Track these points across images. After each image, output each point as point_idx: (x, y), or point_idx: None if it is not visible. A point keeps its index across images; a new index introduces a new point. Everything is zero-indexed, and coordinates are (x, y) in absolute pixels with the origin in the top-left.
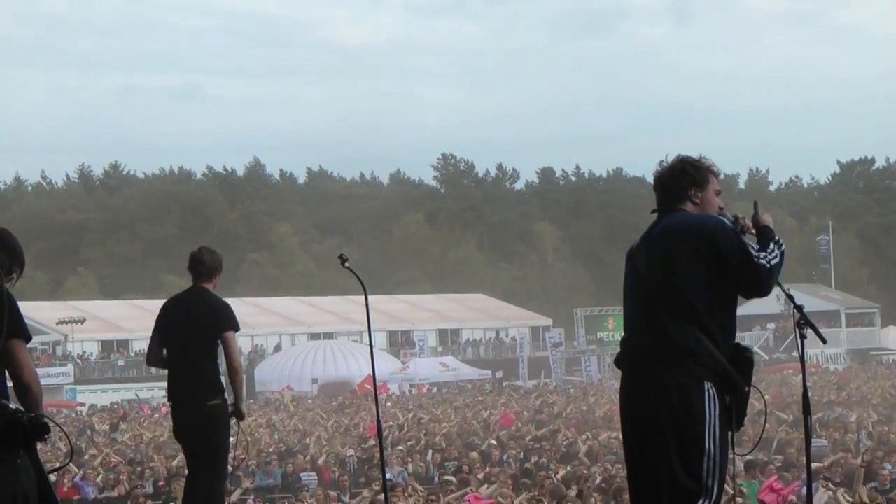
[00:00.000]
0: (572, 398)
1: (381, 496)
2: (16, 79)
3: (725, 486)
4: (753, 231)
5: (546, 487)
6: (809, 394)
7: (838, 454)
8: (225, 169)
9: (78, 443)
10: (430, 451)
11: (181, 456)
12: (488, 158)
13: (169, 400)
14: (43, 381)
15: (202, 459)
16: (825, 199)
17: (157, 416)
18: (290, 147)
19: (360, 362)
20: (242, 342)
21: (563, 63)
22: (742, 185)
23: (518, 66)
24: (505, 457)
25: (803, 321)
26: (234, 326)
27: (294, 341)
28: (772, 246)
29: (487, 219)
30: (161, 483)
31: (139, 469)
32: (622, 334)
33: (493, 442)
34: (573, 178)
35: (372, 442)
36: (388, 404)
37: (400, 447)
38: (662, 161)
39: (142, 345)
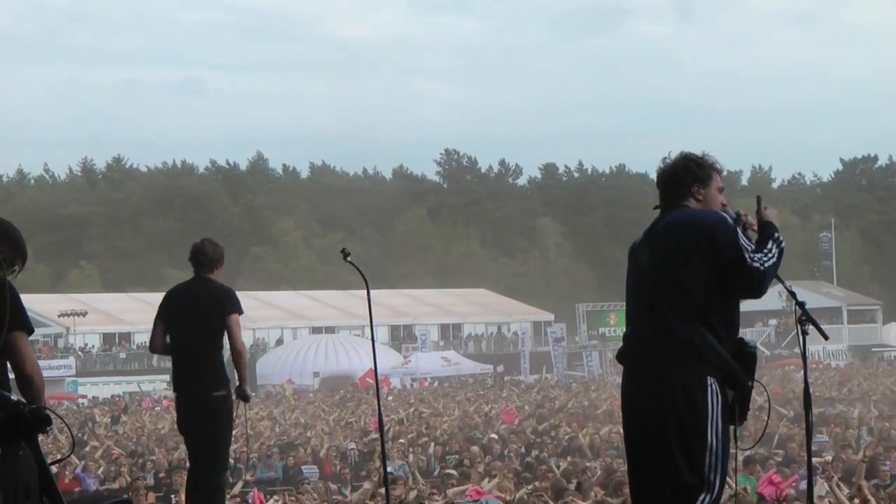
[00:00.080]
0: (574, 393)
1: (382, 489)
2: (18, 72)
3: (728, 481)
4: (756, 228)
5: (547, 481)
6: (811, 390)
7: (839, 450)
8: (228, 163)
9: (79, 435)
10: (432, 445)
11: (182, 448)
12: (491, 154)
13: (174, 390)
14: (45, 374)
15: (204, 451)
16: (828, 196)
17: (158, 408)
18: (293, 142)
19: (362, 356)
20: (244, 336)
21: (566, 60)
22: (745, 183)
23: (521, 62)
24: (506, 451)
25: (805, 317)
26: (238, 309)
27: (296, 335)
28: (770, 245)
29: (490, 214)
30: (162, 475)
31: (140, 461)
32: (624, 330)
33: (495, 436)
34: (576, 175)
35: (373, 435)
36: (390, 398)
37: (401, 440)
38: (666, 158)
39: (143, 338)
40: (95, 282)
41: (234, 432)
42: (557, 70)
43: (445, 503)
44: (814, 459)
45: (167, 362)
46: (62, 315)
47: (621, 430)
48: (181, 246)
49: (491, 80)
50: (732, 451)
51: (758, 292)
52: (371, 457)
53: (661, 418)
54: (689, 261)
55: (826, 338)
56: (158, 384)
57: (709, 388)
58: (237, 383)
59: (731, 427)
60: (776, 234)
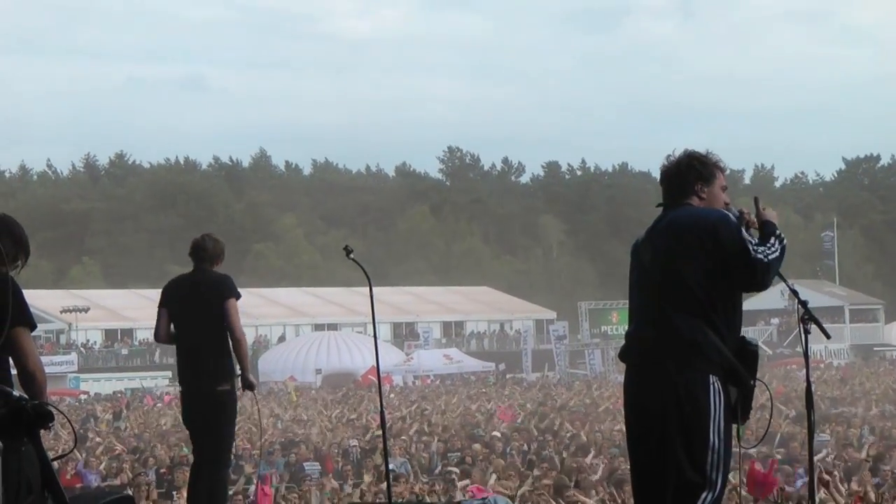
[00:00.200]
0: (576, 391)
1: (382, 485)
2: (22, 68)
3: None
4: (758, 228)
5: (549, 479)
6: (813, 388)
7: (841, 449)
8: (231, 160)
9: (81, 431)
10: (434, 442)
11: (184, 444)
12: (494, 152)
13: (179, 384)
14: (47, 369)
15: (207, 447)
16: (830, 195)
17: (160, 404)
18: (296, 139)
19: (364, 353)
20: (247, 333)
21: (569, 58)
22: (747, 182)
23: (524, 60)
24: (508, 448)
25: (807, 316)
26: (235, 294)
27: (298, 332)
28: (772, 240)
29: (493, 212)
30: (164, 471)
31: (142, 457)
32: (626, 328)
33: (497, 433)
34: (578, 173)
35: (375, 432)
36: (392, 395)
37: (403, 438)
38: (669, 155)
39: (145, 334)
40: (98, 278)
41: (236, 428)
42: (560, 68)
43: (452, 500)
44: (814, 458)
45: (170, 358)
46: (64, 311)
47: (623, 428)
48: (183, 242)
49: (494, 78)
50: (735, 449)
51: (762, 285)
52: (373, 454)
53: (664, 416)
54: (691, 259)
55: (828, 337)
56: (160, 380)
57: (711, 386)
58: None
59: (734, 426)
60: (777, 232)
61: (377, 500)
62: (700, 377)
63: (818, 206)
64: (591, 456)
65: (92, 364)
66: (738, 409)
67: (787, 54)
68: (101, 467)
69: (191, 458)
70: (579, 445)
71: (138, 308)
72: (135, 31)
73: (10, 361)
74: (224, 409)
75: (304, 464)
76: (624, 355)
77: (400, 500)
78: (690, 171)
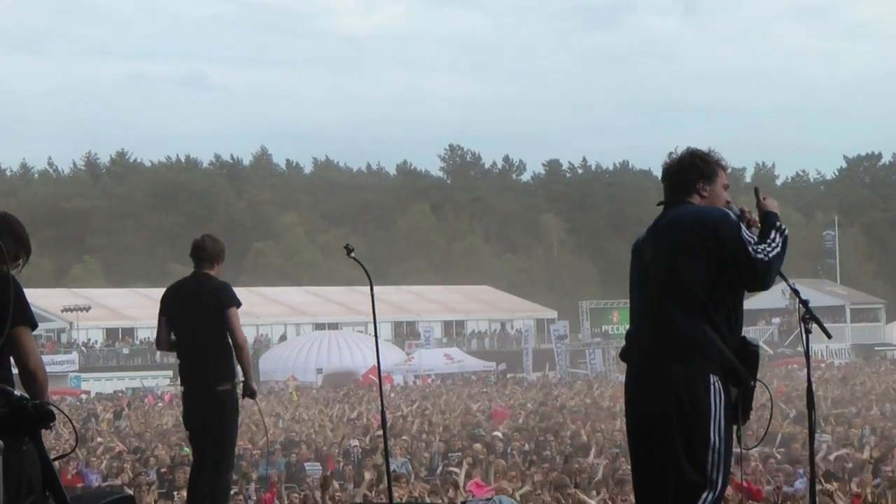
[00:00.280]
0: (577, 390)
1: (383, 485)
2: (23, 66)
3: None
4: (760, 225)
5: (549, 479)
6: (814, 388)
7: (841, 449)
8: (232, 158)
9: (82, 430)
10: (435, 442)
11: (185, 444)
12: (495, 150)
13: (181, 384)
14: (48, 369)
15: (209, 448)
16: (831, 194)
17: (160, 404)
18: (297, 137)
19: (365, 353)
20: (248, 332)
21: (571, 55)
22: (748, 180)
23: (525, 58)
24: (509, 448)
25: (808, 316)
26: (235, 302)
27: (299, 331)
28: (773, 234)
29: (493, 210)
30: (164, 471)
31: (143, 457)
32: (627, 327)
33: (498, 433)
34: (580, 171)
35: (376, 432)
36: (393, 395)
37: (404, 438)
38: (672, 153)
39: (146, 333)
40: (99, 276)
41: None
42: (561, 66)
43: (460, 501)
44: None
45: (171, 357)
46: (65, 310)
47: (624, 428)
48: (184, 241)
49: (495, 76)
50: (736, 450)
51: (764, 284)
52: (374, 454)
53: (665, 416)
54: (692, 258)
55: (829, 336)
56: (161, 380)
57: (712, 385)
58: (242, 379)
59: (734, 425)
60: (778, 224)
61: (378, 500)
62: (701, 376)
63: (819, 205)
64: (592, 456)
65: (93, 363)
66: (739, 410)
67: (789, 52)
68: (102, 467)
69: (192, 458)
70: (580, 445)
71: (139, 307)
72: (136, 29)
73: (12, 361)
74: (224, 408)
75: (305, 464)
76: (625, 355)
77: (400, 501)
78: (692, 169)
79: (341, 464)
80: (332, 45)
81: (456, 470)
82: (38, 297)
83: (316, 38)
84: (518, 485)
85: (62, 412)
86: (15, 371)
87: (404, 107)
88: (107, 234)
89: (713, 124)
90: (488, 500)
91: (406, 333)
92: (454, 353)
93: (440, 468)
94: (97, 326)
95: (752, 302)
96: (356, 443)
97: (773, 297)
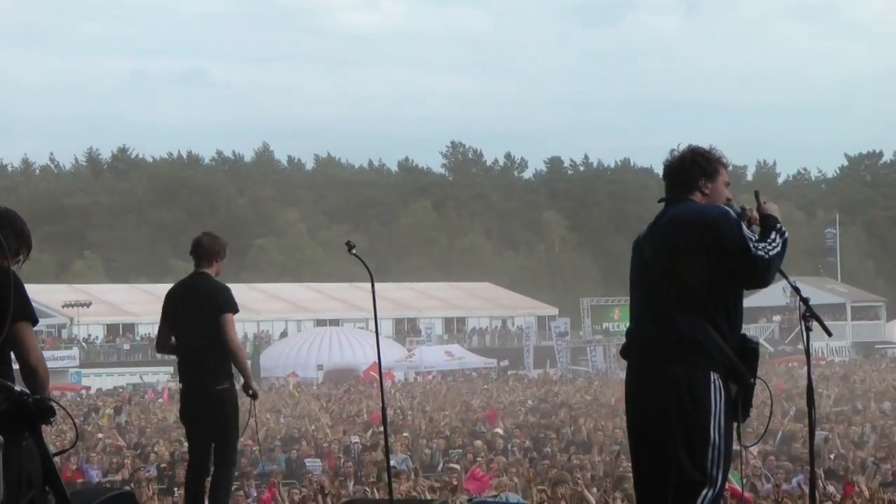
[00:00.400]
0: (578, 388)
1: (384, 481)
2: (24, 62)
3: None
4: (760, 226)
5: (550, 476)
6: (814, 386)
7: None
8: (233, 154)
9: (83, 426)
10: (435, 439)
11: (185, 440)
12: (496, 147)
13: (180, 382)
14: (48, 364)
15: (214, 445)
16: (832, 192)
17: (160, 400)
18: (299, 133)
19: (366, 349)
20: (249, 328)
21: (572, 53)
22: (750, 178)
23: (527, 55)
24: (509, 445)
25: (809, 314)
26: (231, 308)
27: (300, 327)
28: (773, 235)
29: (495, 207)
30: (164, 466)
31: (143, 452)
32: (628, 325)
33: (498, 430)
34: (581, 168)
35: (377, 428)
36: (394, 392)
37: (405, 434)
38: (673, 150)
39: (147, 329)
40: (100, 272)
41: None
42: (563, 64)
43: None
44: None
45: (171, 354)
46: (66, 305)
47: (625, 425)
48: (186, 237)
49: (496, 73)
50: (736, 447)
51: (763, 281)
52: (374, 450)
53: (665, 413)
54: (692, 256)
55: (830, 334)
56: (162, 375)
57: (712, 383)
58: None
59: (735, 423)
60: (778, 225)
61: (378, 497)
62: (701, 374)
63: (820, 203)
64: (592, 453)
65: (93, 359)
66: (739, 407)
67: (790, 50)
68: (103, 463)
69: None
70: (581, 442)
71: (140, 303)
72: (137, 25)
73: (12, 356)
74: (224, 406)
75: (306, 460)
76: (625, 353)
77: (401, 497)
78: (694, 167)
79: (342, 460)
80: (334, 41)
81: (456, 466)
82: (39, 293)
83: (317, 35)
84: (518, 481)
85: (62, 408)
86: (16, 366)
87: (406, 104)
88: (108, 230)
89: (714, 122)
90: (495, 496)
91: (407, 330)
92: (455, 349)
93: (441, 465)
94: (98, 322)
95: (752, 299)
96: (357, 439)
97: (773, 295)
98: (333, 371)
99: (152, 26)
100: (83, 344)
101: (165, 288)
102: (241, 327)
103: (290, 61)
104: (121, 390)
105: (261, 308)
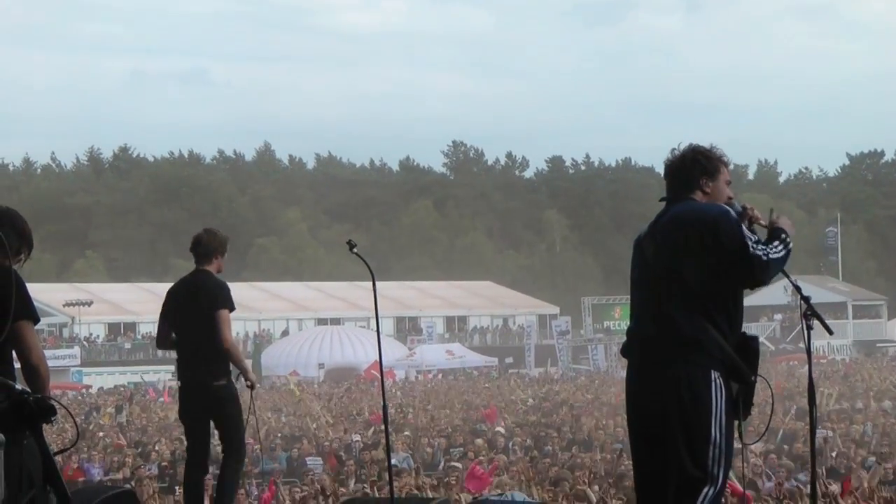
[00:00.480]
0: (579, 386)
1: (385, 480)
2: (26, 61)
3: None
4: (763, 222)
5: (550, 474)
6: (815, 385)
7: (843, 445)
8: (235, 153)
9: (84, 425)
10: (436, 438)
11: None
12: (498, 146)
13: (178, 379)
14: (49, 363)
15: (221, 440)
16: (834, 191)
17: (161, 399)
18: (300, 132)
19: (367, 348)
20: (250, 326)
21: (573, 53)
22: (751, 177)
23: (528, 55)
24: (510, 444)
25: (810, 312)
26: (227, 306)
27: (301, 326)
28: (776, 242)
29: (496, 206)
30: (165, 465)
31: (145, 451)
32: (629, 323)
33: (500, 429)
34: (582, 168)
35: (378, 427)
36: (395, 390)
37: (406, 433)
38: (674, 149)
39: (148, 328)
40: (101, 271)
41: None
42: (564, 63)
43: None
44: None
45: (172, 353)
46: (67, 305)
47: (626, 424)
48: (187, 236)
49: (498, 73)
50: (738, 446)
51: (759, 281)
52: (375, 449)
53: (665, 412)
54: (692, 255)
55: (831, 333)
56: (163, 374)
57: (713, 382)
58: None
59: (735, 421)
60: (784, 235)
61: (379, 496)
62: (701, 373)
63: (822, 202)
64: (594, 451)
65: (95, 358)
66: (740, 406)
67: (791, 49)
68: (104, 461)
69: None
70: (582, 441)
71: (141, 302)
72: (138, 24)
73: (14, 355)
74: (223, 402)
75: (307, 459)
76: (626, 351)
77: (402, 495)
78: (695, 166)
79: (343, 459)
80: (335, 41)
81: (457, 465)
82: (40, 292)
83: (318, 35)
84: (519, 480)
85: (63, 407)
86: (17, 365)
87: (407, 103)
88: (109, 229)
89: (715, 121)
90: (501, 495)
91: (408, 329)
92: (456, 348)
93: (442, 463)
94: (99, 321)
95: (754, 298)
96: (358, 438)
97: (775, 294)
98: (334, 370)
99: (153, 26)
100: (84, 343)
101: (166, 287)
102: (243, 326)
103: (291, 61)
104: (122, 389)
105: (262, 307)
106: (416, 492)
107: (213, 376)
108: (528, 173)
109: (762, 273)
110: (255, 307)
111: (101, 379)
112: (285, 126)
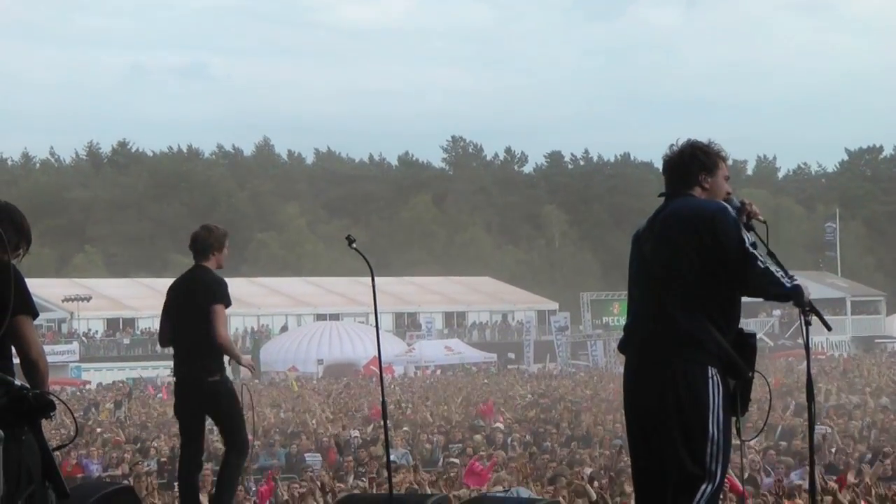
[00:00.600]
0: (577, 382)
1: (383, 475)
2: (25, 56)
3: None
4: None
5: (549, 470)
6: (813, 380)
7: (842, 441)
8: (234, 148)
9: (83, 421)
10: (435, 434)
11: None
12: (497, 141)
13: (174, 375)
14: (48, 359)
15: (221, 434)
16: (832, 186)
17: (160, 395)
18: (299, 127)
19: (366, 344)
20: (249, 322)
21: (573, 48)
22: (750, 172)
23: (527, 50)
24: (509, 440)
25: (808, 308)
26: (222, 300)
27: (300, 322)
28: (789, 275)
29: (495, 202)
30: (164, 461)
31: (144, 447)
32: (626, 319)
33: (499, 425)
34: (581, 163)
35: (377, 423)
36: (394, 386)
37: (405, 429)
38: (673, 145)
39: (147, 323)
40: (100, 266)
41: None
42: (563, 58)
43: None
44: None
45: (171, 349)
46: (66, 300)
47: (624, 421)
48: (186, 231)
49: (497, 68)
50: (736, 442)
51: (753, 284)
52: (374, 445)
53: (663, 408)
54: (690, 251)
55: (829, 329)
56: (162, 370)
57: (710, 378)
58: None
59: (733, 418)
60: (797, 281)
61: (378, 492)
62: (699, 370)
63: (820, 197)
64: (592, 447)
65: (93, 353)
66: (738, 402)
67: (790, 45)
68: (102, 457)
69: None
70: (581, 437)
71: (140, 297)
72: (137, 19)
73: (13, 350)
74: (218, 397)
75: (305, 455)
76: (623, 348)
77: (400, 491)
78: (693, 161)
79: (342, 455)
80: (334, 36)
81: (456, 461)
82: (39, 287)
83: (317, 30)
84: (518, 476)
85: (62, 402)
86: (16, 360)
87: (406, 98)
88: (108, 224)
89: (714, 117)
90: (506, 491)
91: (407, 324)
92: (455, 344)
93: (441, 459)
94: (98, 316)
95: None
96: (357, 434)
97: None
98: (333, 365)
99: (152, 20)
100: (83, 338)
101: (165, 282)
102: (242, 321)
103: (291, 55)
104: (121, 385)
105: (261, 302)
106: (415, 487)
107: (207, 372)
108: (527, 168)
109: (757, 277)
110: (254, 302)
111: (100, 374)
112: (284, 121)
